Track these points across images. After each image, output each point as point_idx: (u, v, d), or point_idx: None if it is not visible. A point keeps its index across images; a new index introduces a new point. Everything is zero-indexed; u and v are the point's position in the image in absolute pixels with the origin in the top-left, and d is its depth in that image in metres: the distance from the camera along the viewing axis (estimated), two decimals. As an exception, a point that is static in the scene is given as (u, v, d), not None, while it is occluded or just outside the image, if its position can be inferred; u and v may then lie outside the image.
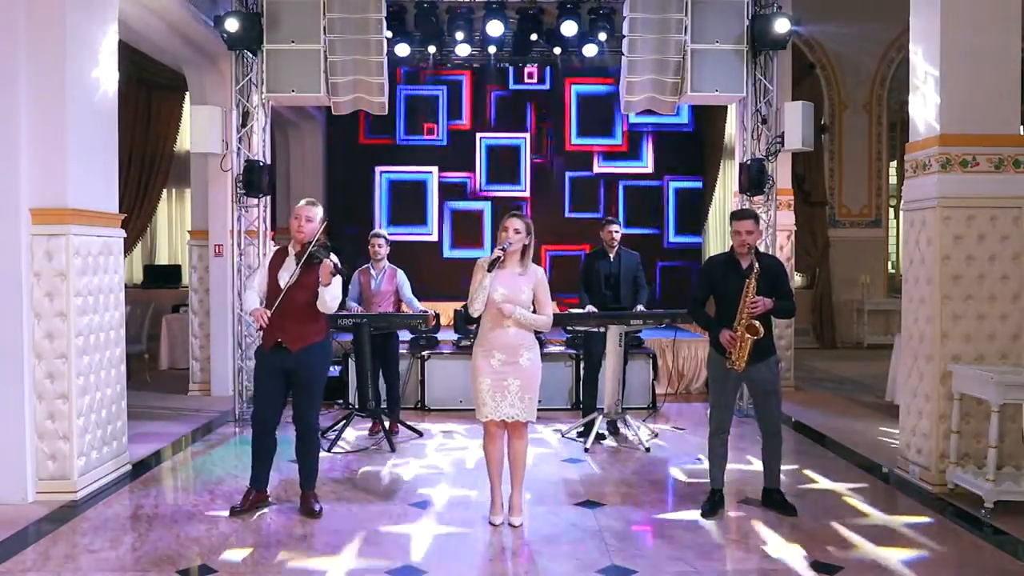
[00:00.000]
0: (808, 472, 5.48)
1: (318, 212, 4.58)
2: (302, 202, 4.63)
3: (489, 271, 4.20)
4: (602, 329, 6.29)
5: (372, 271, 6.58)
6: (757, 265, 4.42)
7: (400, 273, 6.63)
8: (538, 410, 4.41)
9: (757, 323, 4.38)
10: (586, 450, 6.03)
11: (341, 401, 7.61)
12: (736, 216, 4.61)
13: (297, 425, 4.61)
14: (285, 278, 4.47)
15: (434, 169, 11.30)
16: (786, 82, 8.66)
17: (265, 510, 4.65)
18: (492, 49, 8.95)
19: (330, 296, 4.43)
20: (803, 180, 11.58)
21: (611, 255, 6.59)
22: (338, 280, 4.44)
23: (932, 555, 4.01)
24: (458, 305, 8.27)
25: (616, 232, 6.55)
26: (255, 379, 4.67)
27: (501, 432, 4.39)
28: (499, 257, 4.20)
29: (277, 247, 4.78)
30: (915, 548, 4.11)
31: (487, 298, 4.23)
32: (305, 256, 4.41)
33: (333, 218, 11.51)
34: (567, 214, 11.29)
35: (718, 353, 4.57)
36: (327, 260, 4.36)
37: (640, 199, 11.29)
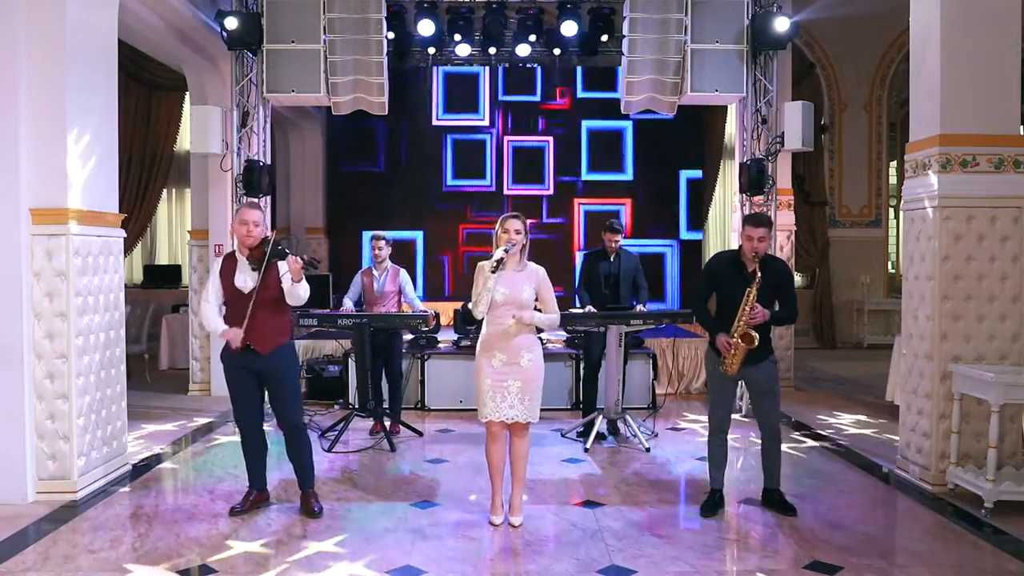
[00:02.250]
0: (807, 471, 5.48)
1: (262, 215, 4.53)
2: (245, 206, 4.57)
3: (493, 272, 4.20)
4: (602, 329, 6.30)
5: (375, 272, 6.58)
6: (760, 275, 4.39)
7: (403, 273, 6.62)
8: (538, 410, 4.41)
9: (754, 333, 4.38)
10: (586, 450, 6.02)
11: (341, 401, 7.61)
12: (751, 222, 4.51)
13: (283, 427, 4.60)
14: (247, 282, 4.40)
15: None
16: (786, 82, 8.66)
17: (265, 510, 4.65)
18: (492, 49, 8.95)
19: (303, 289, 4.38)
20: (803, 180, 11.59)
21: (611, 256, 6.59)
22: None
23: (932, 555, 4.00)
24: (458, 305, 8.29)
25: (617, 242, 6.56)
26: (228, 382, 4.59)
27: (503, 432, 4.39)
28: (503, 259, 4.21)
29: (223, 255, 4.69)
30: (915, 548, 4.11)
31: (490, 300, 4.24)
32: (268, 256, 4.35)
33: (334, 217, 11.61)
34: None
35: (715, 354, 4.58)
36: (292, 256, 4.32)
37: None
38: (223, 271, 4.52)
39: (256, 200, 4.60)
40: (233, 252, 4.57)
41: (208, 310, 4.51)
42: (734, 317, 4.44)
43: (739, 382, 4.69)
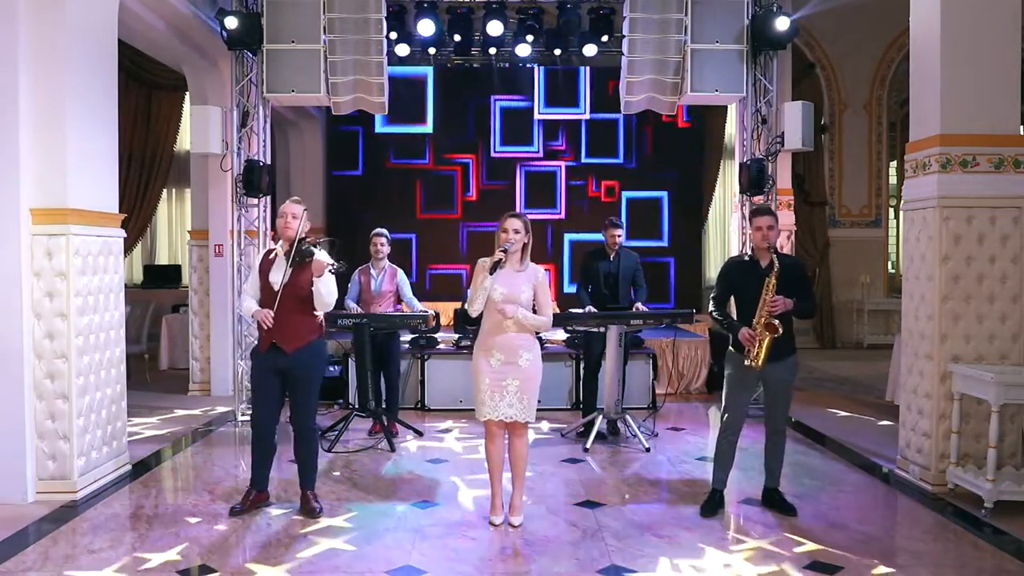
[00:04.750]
0: (807, 471, 5.48)
1: (302, 208, 4.58)
2: (287, 201, 4.64)
3: (491, 273, 4.19)
4: (602, 329, 6.30)
5: (372, 271, 6.56)
6: (777, 264, 4.42)
7: (400, 273, 6.62)
8: (538, 410, 4.41)
9: (776, 322, 4.38)
10: (586, 450, 6.03)
11: (341, 401, 7.61)
12: (756, 213, 4.61)
13: (295, 426, 4.61)
14: (277, 279, 4.46)
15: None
16: (786, 82, 8.67)
17: (265, 510, 4.65)
18: (492, 50, 8.95)
19: (325, 290, 4.40)
20: (803, 180, 11.59)
21: (611, 255, 6.59)
22: (331, 276, 4.42)
23: (932, 555, 4.00)
24: (458, 305, 8.29)
25: (619, 236, 6.56)
26: (252, 381, 4.66)
27: (501, 432, 4.39)
28: (501, 259, 4.20)
29: (265, 250, 4.78)
30: (915, 548, 4.11)
31: (487, 298, 4.24)
32: (294, 254, 4.40)
33: (334, 216, 11.60)
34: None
35: (738, 352, 4.56)
36: (318, 255, 4.35)
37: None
38: (262, 265, 4.60)
39: (298, 198, 4.65)
40: (275, 248, 4.64)
41: (243, 299, 4.66)
42: (754, 315, 4.44)
43: (758, 382, 4.66)
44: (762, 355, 4.42)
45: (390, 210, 11.08)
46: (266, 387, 4.55)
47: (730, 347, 4.65)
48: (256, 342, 4.62)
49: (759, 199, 7.50)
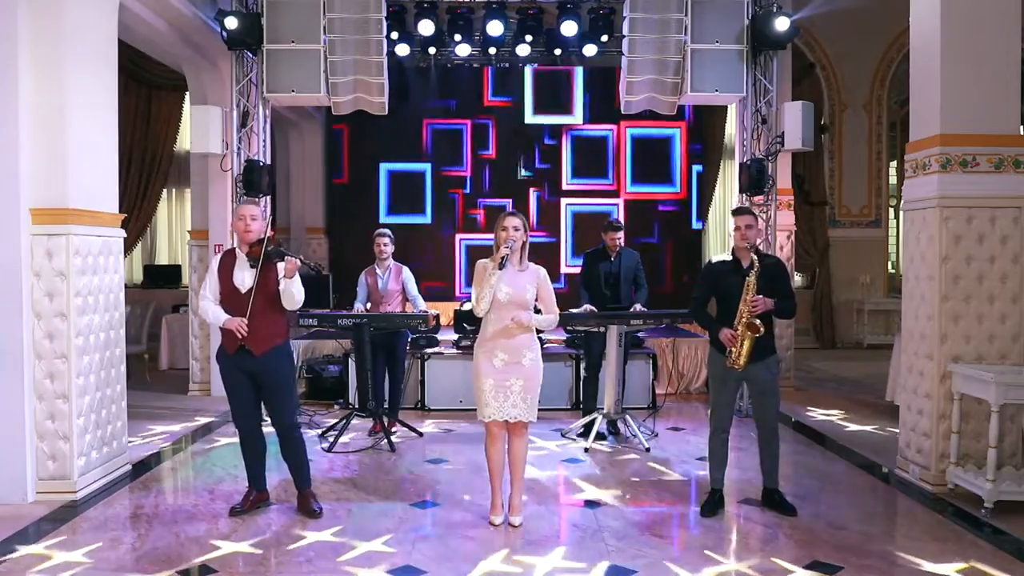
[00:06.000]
0: (808, 471, 5.48)
1: (260, 210, 4.53)
2: (243, 201, 4.59)
3: (501, 268, 4.19)
4: (602, 329, 6.30)
5: (378, 271, 6.57)
6: (757, 263, 4.44)
7: (406, 270, 6.62)
8: (538, 410, 4.42)
9: (758, 321, 4.40)
10: (586, 450, 6.03)
11: (341, 401, 7.61)
12: (735, 212, 4.68)
13: (277, 429, 4.58)
14: (245, 280, 4.40)
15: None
16: (786, 82, 8.66)
17: (265, 510, 4.65)
18: (492, 50, 8.96)
19: (295, 288, 4.36)
20: (803, 180, 11.59)
21: (611, 255, 6.60)
22: (297, 277, 4.38)
23: (932, 555, 4.00)
24: (457, 305, 8.29)
25: (618, 239, 6.56)
26: (224, 383, 4.58)
27: (502, 432, 4.39)
28: (507, 255, 4.20)
29: (223, 252, 4.68)
30: (915, 548, 4.11)
31: (492, 298, 4.23)
32: (263, 256, 4.36)
33: (336, 216, 11.60)
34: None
35: (718, 352, 4.58)
36: (290, 256, 4.33)
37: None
38: (221, 268, 4.50)
39: (254, 200, 4.57)
40: (233, 249, 4.56)
41: (207, 305, 4.50)
42: (735, 315, 4.46)
43: (741, 381, 4.69)
44: (744, 355, 4.44)
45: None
46: (240, 388, 4.51)
47: (712, 347, 4.68)
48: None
49: (759, 199, 7.51)
